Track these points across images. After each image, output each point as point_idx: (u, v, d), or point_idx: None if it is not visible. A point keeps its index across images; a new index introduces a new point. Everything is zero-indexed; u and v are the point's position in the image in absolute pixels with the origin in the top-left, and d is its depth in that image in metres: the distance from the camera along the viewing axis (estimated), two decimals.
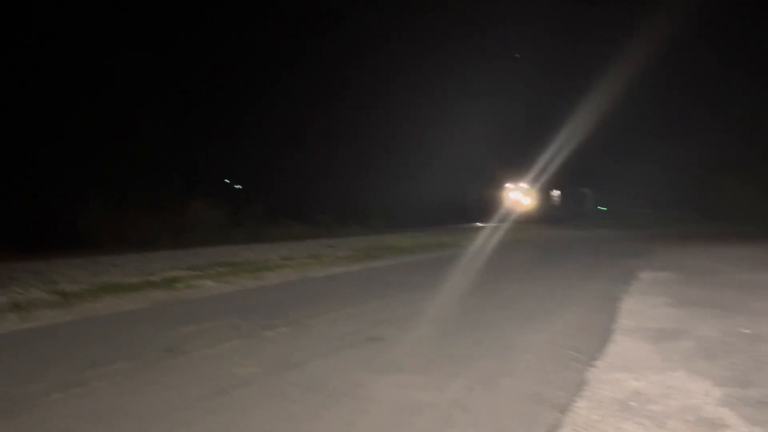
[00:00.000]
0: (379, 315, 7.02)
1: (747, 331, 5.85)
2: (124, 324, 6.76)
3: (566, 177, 51.43)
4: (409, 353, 5.19)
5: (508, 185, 42.82)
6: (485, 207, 39.88)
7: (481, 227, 30.96)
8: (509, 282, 10.12)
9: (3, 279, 9.11)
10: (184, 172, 28.09)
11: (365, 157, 36.03)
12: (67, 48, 26.12)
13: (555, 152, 34.54)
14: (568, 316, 6.87)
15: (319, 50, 37.41)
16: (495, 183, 42.76)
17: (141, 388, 4.28)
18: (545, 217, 42.89)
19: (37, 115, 23.36)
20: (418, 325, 6.46)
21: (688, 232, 26.12)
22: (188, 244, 17.82)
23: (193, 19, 34.16)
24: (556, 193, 48.98)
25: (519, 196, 42.54)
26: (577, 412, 3.70)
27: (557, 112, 37.78)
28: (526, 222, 37.17)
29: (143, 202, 21.19)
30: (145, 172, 25.43)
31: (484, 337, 5.79)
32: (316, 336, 5.89)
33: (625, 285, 9.24)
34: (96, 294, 8.40)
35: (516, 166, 41.50)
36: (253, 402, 3.94)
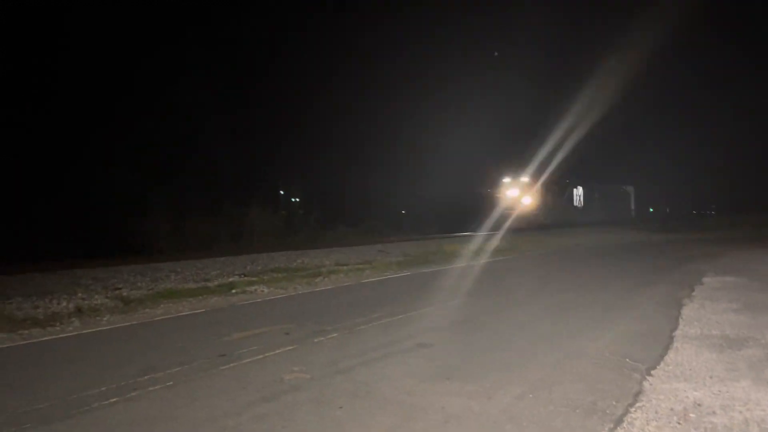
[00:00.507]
0: (430, 321, 6.96)
1: None
2: (180, 329, 6.94)
3: (599, 172, 44.04)
4: (458, 360, 5.12)
5: (505, 180, 34.25)
6: (482, 208, 31.91)
7: (519, 232, 27.82)
8: (564, 288, 9.87)
9: (68, 285, 9.50)
10: (242, 180, 28.73)
11: (407, 164, 35.53)
12: (134, 64, 27.28)
13: (570, 139, 28.87)
14: (626, 323, 6.64)
15: (369, 71, 37.79)
16: (491, 180, 34.60)
17: (194, 393, 4.36)
18: (561, 220, 34.93)
19: (101, 126, 24.38)
20: (469, 331, 6.37)
21: (757, 234, 24.90)
22: (245, 250, 18.17)
23: (249, 46, 35.12)
24: (578, 191, 40.48)
25: (517, 193, 33.72)
26: (632, 423, 3.56)
27: (574, 91, 33.08)
28: (530, 228, 31.14)
29: (203, 210, 21.80)
30: (204, 180, 26.15)
31: (537, 345, 5.65)
32: (366, 342, 5.89)
33: (687, 290, 8.88)
34: (155, 300, 8.65)
35: (517, 157, 33.29)
36: (301, 408, 3.95)
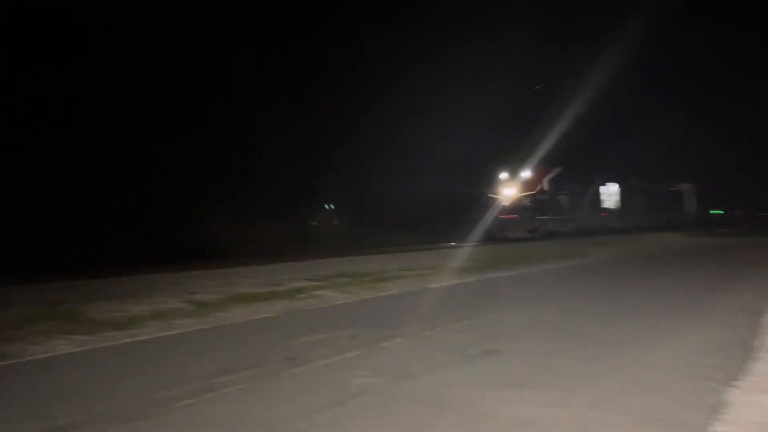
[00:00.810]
0: (497, 327, 6.88)
1: None
2: (251, 332, 7.14)
3: (643, 168, 37.17)
4: (527, 368, 5.03)
5: (502, 176, 27.25)
6: (478, 211, 26.36)
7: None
8: (631, 295, 9.57)
9: (146, 289, 9.90)
10: (308, 186, 29.25)
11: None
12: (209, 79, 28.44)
13: (584, 123, 24.52)
14: (703, 331, 6.37)
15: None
16: (488, 176, 27.92)
17: (265, 395, 4.47)
18: (585, 225, 28.69)
19: (175, 136, 25.42)
20: (537, 338, 6.25)
21: None
22: (312, 254, 18.47)
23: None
24: (610, 188, 32.69)
25: (516, 192, 26.64)
26: None
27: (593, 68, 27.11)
28: (534, 236, 25.56)
29: (270, 216, 22.39)
30: (271, 187, 26.81)
31: (608, 353, 5.49)
32: (432, 348, 5.88)
33: None
34: (227, 304, 8.92)
35: (519, 147, 26.89)
36: (369, 413, 3.99)
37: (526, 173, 26.71)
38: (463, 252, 17.58)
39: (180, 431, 3.78)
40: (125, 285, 10.68)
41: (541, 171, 26.84)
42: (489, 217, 25.75)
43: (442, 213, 30.40)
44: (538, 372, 4.88)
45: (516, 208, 26.14)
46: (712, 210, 46.69)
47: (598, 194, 31.65)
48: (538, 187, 26.58)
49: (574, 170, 29.44)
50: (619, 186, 33.14)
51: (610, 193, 32.51)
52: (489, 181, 27.44)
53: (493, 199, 26.82)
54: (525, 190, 26.50)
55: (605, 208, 31.96)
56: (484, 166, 28.39)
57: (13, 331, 6.55)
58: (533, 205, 26.26)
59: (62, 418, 3.98)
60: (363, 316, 8.08)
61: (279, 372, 5.11)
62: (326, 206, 32.74)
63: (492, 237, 24.54)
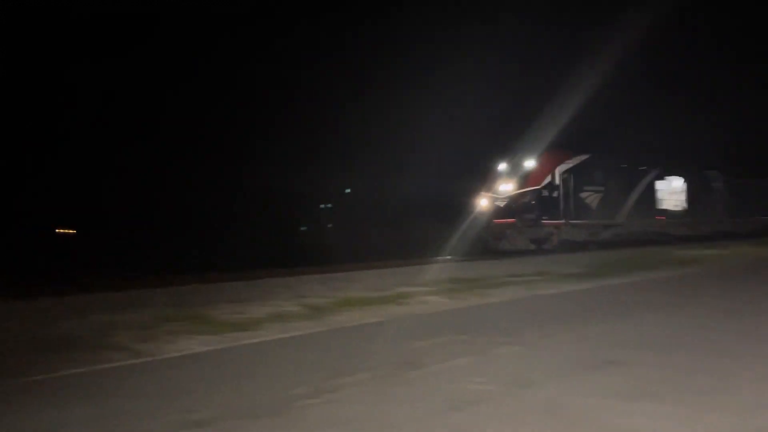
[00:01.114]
0: (616, 336, 6.61)
1: None
2: (364, 336, 7.28)
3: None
4: (653, 379, 4.79)
5: (500, 167, 21.16)
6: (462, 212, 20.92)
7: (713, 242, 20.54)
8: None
9: (261, 293, 10.35)
10: (405, 192, 29.50)
11: None
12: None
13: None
14: None
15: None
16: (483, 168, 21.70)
17: (382, 398, 4.56)
18: (626, 232, 22.55)
19: (289, 149, 26.61)
20: (663, 348, 5.94)
21: None
22: (414, 260, 18.58)
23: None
24: (672, 184, 25.12)
25: (510, 187, 20.47)
26: None
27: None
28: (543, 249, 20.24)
29: (372, 222, 22.80)
30: (371, 193, 27.32)
31: (746, 368, 5.11)
32: (548, 356, 5.74)
33: None
34: (338, 307, 9.15)
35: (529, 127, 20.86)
36: (488, 420, 3.95)
37: (530, 163, 20.47)
38: (567, 259, 17.05)
39: (308, 430, 3.92)
40: (240, 288, 11.20)
41: (551, 159, 20.65)
42: (479, 223, 20.38)
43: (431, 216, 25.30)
44: (668, 384, 4.64)
45: (513, 209, 20.05)
46: None
47: (652, 191, 24.25)
48: (545, 181, 20.29)
49: (612, 158, 23.20)
50: (688, 181, 25.71)
51: (671, 191, 24.87)
52: (483, 176, 21.47)
53: (487, 198, 20.80)
54: (527, 184, 20.17)
55: (663, 210, 24.65)
56: (480, 157, 22.52)
57: (148, 331, 7.07)
58: (538, 205, 20.07)
59: (197, 413, 4.23)
60: (474, 322, 8.02)
61: (394, 375, 5.17)
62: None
63: (487, 248, 20.10)
